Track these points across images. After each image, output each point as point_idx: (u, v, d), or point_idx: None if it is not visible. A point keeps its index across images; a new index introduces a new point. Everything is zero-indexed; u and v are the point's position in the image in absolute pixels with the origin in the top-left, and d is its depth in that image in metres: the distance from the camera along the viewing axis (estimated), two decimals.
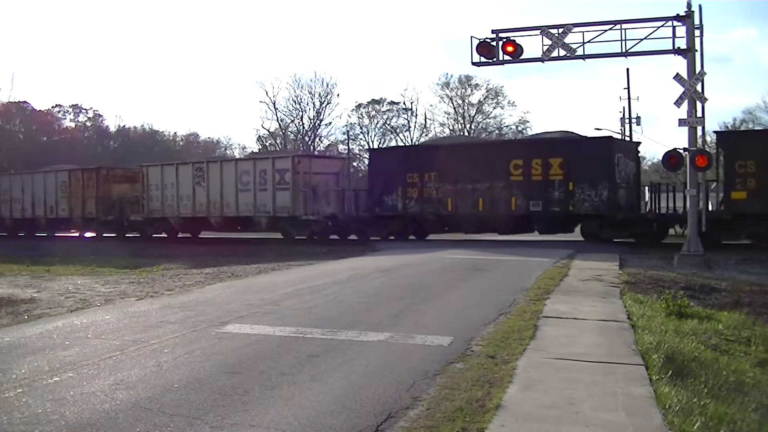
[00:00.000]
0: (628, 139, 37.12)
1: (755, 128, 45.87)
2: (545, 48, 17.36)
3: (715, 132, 24.38)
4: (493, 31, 17.79)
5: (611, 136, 25.29)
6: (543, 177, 21.53)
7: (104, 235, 29.94)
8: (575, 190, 21.09)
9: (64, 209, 30.96)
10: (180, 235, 29.07)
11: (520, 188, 21.92)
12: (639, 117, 41.79)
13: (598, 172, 20.82)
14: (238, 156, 54.31)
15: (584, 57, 17.47)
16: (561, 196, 21.34)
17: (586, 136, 23.70)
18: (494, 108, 63.10)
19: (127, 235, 29.77)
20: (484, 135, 60.92)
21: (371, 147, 55.60)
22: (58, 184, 31.17)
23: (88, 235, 31.10)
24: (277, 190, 24.91)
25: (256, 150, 61.45)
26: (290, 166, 24.79)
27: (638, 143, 25.52)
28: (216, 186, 26.32)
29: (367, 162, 34.70)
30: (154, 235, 28.75)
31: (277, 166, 25.18)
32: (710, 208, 19.99)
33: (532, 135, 30.76)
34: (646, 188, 24.16)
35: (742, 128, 48.93)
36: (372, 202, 24.77)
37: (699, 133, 16.18)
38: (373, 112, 64.11)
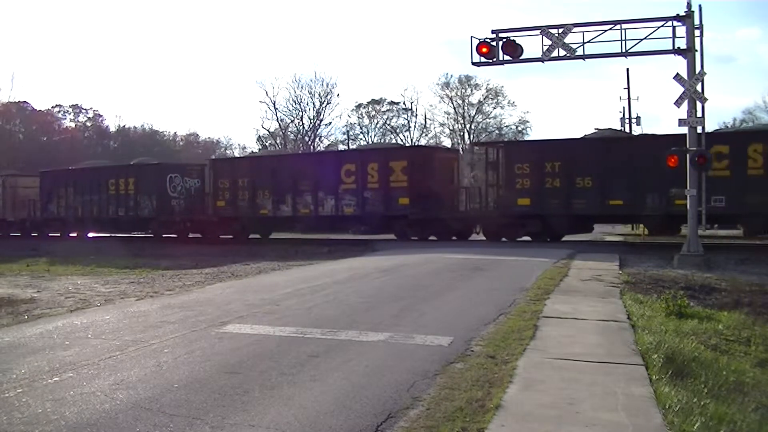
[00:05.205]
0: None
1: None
2: (545, 48, 17.32)
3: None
4: (493, 31, 17.75)
5: (161, 163, 32.31)
6: (125, 192, 30.13)
7: None
8: (140, 201, 29.65)
9: None
10: None
11: (115, 199, 30.52)
12: (639, 117, 42.27)
13: (152, 188, 29.23)
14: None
15: (584, 57, 17.43)
16: (133, 205, 29.89)
17: (149, 163, 31.69)
18: (494, 108, 63.27)
19: None
20: (483, 135, 60.92)
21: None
22: None
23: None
24: None
25: (256, 150, 61.55)
26: (0, 182, 34.35)
27: (203, 165, 31.88)
28: None
29: None
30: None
31: None
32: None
33: (131, 162, 36.41)
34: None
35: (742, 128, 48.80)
36: (42, 208, 33.14)
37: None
38: (373, 112, 64.28)
